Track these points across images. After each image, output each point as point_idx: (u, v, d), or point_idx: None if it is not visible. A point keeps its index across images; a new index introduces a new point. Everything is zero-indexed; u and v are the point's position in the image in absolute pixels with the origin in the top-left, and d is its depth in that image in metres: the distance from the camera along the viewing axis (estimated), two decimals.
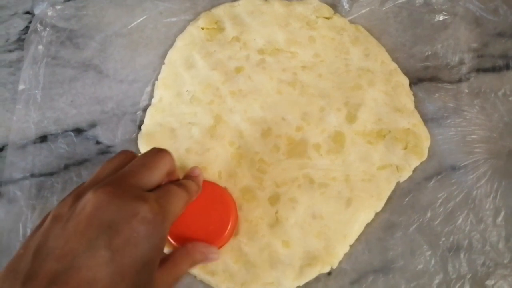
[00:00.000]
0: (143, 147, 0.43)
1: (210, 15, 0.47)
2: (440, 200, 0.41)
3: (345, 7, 0.47)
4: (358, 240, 0.41)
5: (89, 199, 0.27)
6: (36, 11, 0.48)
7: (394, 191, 0.42)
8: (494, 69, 0.45)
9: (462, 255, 0.40)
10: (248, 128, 0.43)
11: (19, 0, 0.49)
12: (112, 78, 0.46)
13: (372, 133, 0.43)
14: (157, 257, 0.28)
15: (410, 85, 0.45)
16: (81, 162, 0.44)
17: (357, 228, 0.41)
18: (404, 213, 0.41)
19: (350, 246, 0.40)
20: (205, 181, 0.39)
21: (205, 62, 0.45)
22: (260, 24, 0.46)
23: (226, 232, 0.38)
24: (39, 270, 0.24)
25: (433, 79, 0.45)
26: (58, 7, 0.48)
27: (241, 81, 0.44)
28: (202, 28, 0.47)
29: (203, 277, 0.40)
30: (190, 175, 0.37)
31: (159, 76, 0.45)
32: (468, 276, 0.39)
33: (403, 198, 0.42)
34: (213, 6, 0.48)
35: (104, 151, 0.44)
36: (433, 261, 0.40)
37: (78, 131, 0.45)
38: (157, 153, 0.33)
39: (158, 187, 0.32)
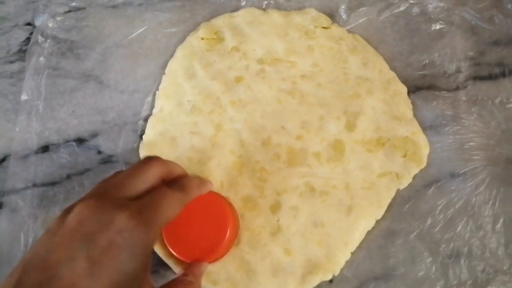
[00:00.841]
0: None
1: (210, 25, 0.48)
2: (439, 207, 0.42)
3: (343, 17, 0.48)
4: (359, 247, 0.41)
5: (75, 213, 0.28)
6: (37, 23, 0.48)
7: (394, 199, 0.42)
8: (490, 77, 0.46)
9: (462, 262, 0.40)
10: (249, 137, 0.43)
11: (20, 11, 0.50)
12: (113, 89, 0.46)
13: (372, 141, 0.43)
14: (142, 267, 0.28)
15: (408, 93, 0.45)
16: (83, 172, 0.44)
17: (358, 236, 0.41)
18: (405, 220, 0.42)
19: (352, 253, 0.41)
20: (211, 194, 0.39)
21: (205, 72, 0.46)
22: (259, 34, 0.47)
23: (223, 243, 0.37)
24: (26, 280, 0.25)
25: (430, 87, 0.46)
26: (59, 18, 0.48)
27: (241, 90, 0.45)
28: (202, 39, 0.47)
29: (205, 286, 0.40)
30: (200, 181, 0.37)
31: (160, 86, 0.46)
32: (469, 282, 0.39)
33: (403, 205, 0.42)
34: (213, 16, 0.49)
35: (106, 160, 0.44)
36: (433, 268, 0.40)
37: (80, 141, 0.45)
38: (145, 161, 0.33)
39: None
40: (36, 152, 0.44)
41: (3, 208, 0.43)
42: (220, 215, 0.38)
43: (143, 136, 0.44)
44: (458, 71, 0.46)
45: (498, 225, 0.41)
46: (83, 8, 0.49)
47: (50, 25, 0.48)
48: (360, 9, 0.48)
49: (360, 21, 0.48)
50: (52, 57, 0.47)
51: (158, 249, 0.40)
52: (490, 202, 0.42)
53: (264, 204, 0.41)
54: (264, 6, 0.49)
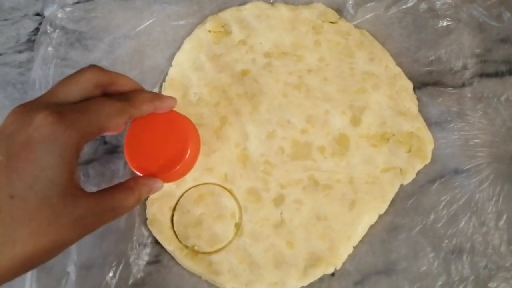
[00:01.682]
0: None
1: (217, 18, 0.48)
2: (443, 203, 0.42)
3: (351, 12, 0.48)
4: (361, 241, 0.41)
5: (3, 120, 0.29)
6: (46, 13, 0.48)
7: (397, 194, 0.42)
8: (497, 75, 0.46)
9: (464, 258, 0.40)
10: (254, 130, 0.43)
11: (30, 2, 0.50)
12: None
13: (376, 136, 0.43)
14: (63, 165, 0.28)
15: (414, 89, 0.45)
16: (88, 162, 0.44)
17: (360, 230, 0.41)
18: (408, 215, 0.42)
19: (354, 247, 0.41)
20: (172, 112, 0.37)
21: (212, 65, 0.46)
22: (266, 27, 0.47)
23: (181, 164, 0.36)
24: None
25: (436, 83, 0.46)
26: (68, 9, 0.49)
27: (247, 83, 0.45)
28: (209, 31, 0.47)
29: (208, 277, 0.40)
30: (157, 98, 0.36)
31: (167, 78, 0.46)
32: (471, 278, 0.40)
33: (406, 200, 0.42)
34: (220, 9, 0.49)
35: (111, 150, 0.44)
36: (436, 263, 0.40)
37: None
38: (80, 69, 0.32)
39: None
40: None
41: None
42: (183, 137, 0.37)
43: None
44: (465, 68, 0.46)
45: (501, 222, 0.41)
46: (92, 0, 0.50)
47: (59, 15, 0.48)
48: (368, 5, 0.48)
49: (368, 16, 0.48)
50: (61, 47, 0.48)
51: (159, 236, 0.41)
52: (494, 199, 0.42)
53: (267, 197, 0.42)
54: (271, 0, 0.49)
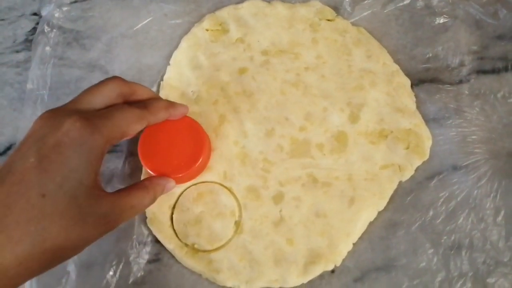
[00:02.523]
0: None
1: (215, 17, 0.48)
2: (441, 199, 0.42)
3: (348, 9, 0.48)
4: (361, 238, 0.41)
5: (32, 124, 0.31)
6: (43, 13, 0.48)
7: (396, 190, 0.42)
8: (493, 71, 0.46)
9: (463, 253, 0.40)
10: (252, 128, 0.44)
11: (27, 1, 0.50)
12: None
13: (374, 133, 0.43)
14: (90, 167, 0.30)
15: (411, 86, 0.45)
16: None
17: (360, 227, 0.41)
18: (406, 212, 0.42)
19: (353, 244, 0.41)
20: (187, 118, 0.40)
21: (209, 63, 0.46)
22: (263, 26, 0.47)
23: (194, 167, 0.39)
24: None
25: (434, 80, 0.46)
26: (65, 8, 0.49)
27: (245, 81, 0.45)
28: (207, 30, 0.47)
29: (208, 275, 0.40)
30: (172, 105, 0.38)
31: (165, 77, 0.46)
32: (470, 274, 0.40)
33: (405, 197, 0.42)
34: (217, 8, 0.49)
35: (110, 150, 0.44)
36: (435, 259, 0.40)
37: None
38: (104, 80, 0.35)
39: None
40: None
41: None
42: (197, 141, 0.39)
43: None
44: (462, 64, 0.46)
45: (499, 218, 0.41)
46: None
47: (56, 15, 0.48)
48: (365, 2, 0.48)
49: (365, 14, 0.48)
50: (58, 47, 0.47)
51: (159, 235, 0.41)
52: (492, 195, 0.42)
53: (266, 194, 0.42)
54: None
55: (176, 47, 0.47)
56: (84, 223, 0.29)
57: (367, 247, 0.41)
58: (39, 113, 0.44)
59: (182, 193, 0.42)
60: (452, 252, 0.40)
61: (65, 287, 0.40)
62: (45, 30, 0.48)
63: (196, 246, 0.40)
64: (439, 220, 0.41)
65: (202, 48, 0.46)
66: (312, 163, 0.43)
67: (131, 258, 0.40)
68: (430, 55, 0.47)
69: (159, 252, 0.41)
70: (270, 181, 0.42)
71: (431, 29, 0.47)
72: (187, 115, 0.40)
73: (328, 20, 0.48)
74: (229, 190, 0.42)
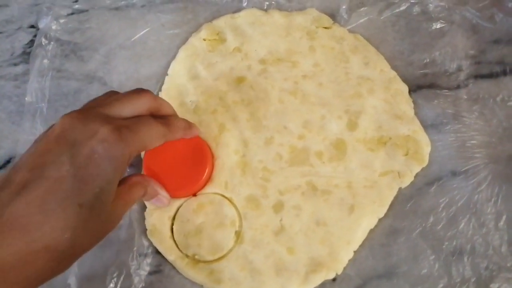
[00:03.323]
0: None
1: (212, 26, 0.48)
2: (442, 205, 0.42)
3: (344, 17, 0.48)
4: (361, 246, 0.41)
5: (58, 123, 0.30)
6: (41, 25, 0.49)
7: (396, 197, 0.42)
8: (491, 76, 0.46)
9: (465, 259, 0.40)
10: (252, 137, 0.44)
11: (24, 14, 0.50)
12: (117, 90, 0.46)
13: (373, 140, 0.43)
14: (117, 178, 0.31)
15: (409, 92, 0.45)
16: None
17: (360, 234, 0.41)
18: (407, 218, 0.42)
19: (354, 252, 0.41)
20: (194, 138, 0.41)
21: (207, 73, 0.46)
22: (261, 34, 0.47)
23: (201, 181, 0.41)
24: (14, 178, 0.28)
25: (431, 86, 0.46)
26: (62, 20, 0.49)
27: (243, 90, 0.45)
28: (204, 40, 0.47)
29: (209, 286, 0.40)
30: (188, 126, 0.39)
31: (163, 87, 0.46)
32: (472, 280, 0.39)
33: (405, 203, 0.42)
34: (215, 17, 0.49)
35: None
36: (437, 265, 0.40)
37: None
38: (137, 91, 0.35)
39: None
40: None
41: None
42: (199, 162, 0.41)
43: None
44: (459, 69, 0.46)
45: (501, 223, 0.41)
46: (86, 11, 0.50)
47: (54, 27, 0.48)
48: (361, 9, 0.48)
49: (361, 21, 0.48)
50: (56, 59, 0.48)
51: (159, 246, 0.40)
52: (493, 200, 0.42)
53: (266, 203, 0.42)
54: (265, 7, 0.49)
55: (174, 57, 0.47)
56: (106, 230, 0.31)
57: (368, 255, 0.41)
58: (38, 126, 0.45)
59: (182, 204, 0.41)
60: (453, 258, 0.40)
61: None
62: (43, 43, 0.48)
63: (197, 257, 0.40)
64: (439, 226, 0.41)
65: (200, 58, 0.47)
66: (311, 171, 0.43)
67: (132, 270, 0.40)
68: (427, 60, 0.47)
69: (160, 263, 0.41)
70: (269, 190, 0.42)
71: (428, 34, 0.48)
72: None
73: (325, 27, 0.48)
74: (229, 200, 0.42)
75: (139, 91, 0.35)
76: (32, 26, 0.50)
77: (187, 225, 0.41)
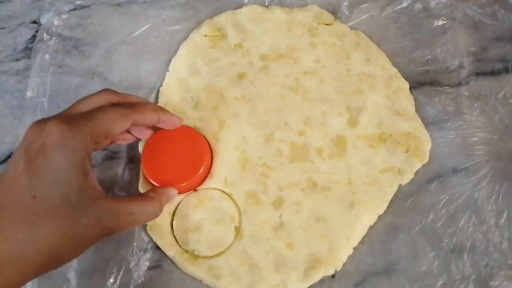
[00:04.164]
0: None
1: (213, 22, 0.48)
2: (442, 202, 0.42)
3: (345, 13, 0.48)
4: (361, 242, 0.41)
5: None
6: (43, 21, 0.49)
7: (396, 194, 0.42)
8: (493, 73, 0.46)
9: (465, 256, 0.40)
10: (252, 133, 0.44)
11: (26, 10, 0.50)
12: (118, 85, 0.47)
13: (374, 137, 0.43)
14: (78, 168, 0.31)
15: (410, 89, 0.45)
16: None
17: (360, 231, 0.41)
18: (407, 215, 0.42)
19: (354, 248, 0.41)
20: (184, 126, 0.41)
21: (208, 69, 0.46)
22: (262, 31, 0.47)
23: (199, 173, 0.40)
24: None
25: (433, 83, 0.46)
26: (64, 16, 0.49)
27: (244, 86, 0.45)
28: (205, 36, 0.47)
29: (209, 281, 0.40)
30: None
31: (164, 83, 0.46)
32: (472, 277, 0.39)
33: (405, 200, 0.42)
34: (216, 14, 0.49)
35: (110, 156, 0.44)
36: (436, 263, 0.40)
37: None
38: (95, 92, 0.36)
39: None
40: None
41: None
42: (198, 151, 0.41)
43: None
44: (461, 66, 0.46)
45: (502, 220, 0.41)
46: (88, 6, 0.50)
47: (56, 23, 0.49)
48: (363, 6, 0.48)
49: (363, 17, 0.48)
50: (58, 54, 0.48)
51: (159, 241, 0.41)
52: (493, 197, 0.42)
53: (266, 199, 0.42)
54: (266, 3, 0.49)
55: (175, 53, 0.47)
56: (79, 224, 0.30)
57: (367, 251, 0.41)
58: None
59: (182, 200, 0.42)
60: (453, 255, 0.40)
61: None
62: (45, 38, 0.48)
63: (196, 252, 0.40)
64: (439, 223, 0.41)
65: (201, 54, 0.47)
66: (311, 167, 0.42)
67: (131, 265, 0.40)
68: (429, 57, 0.47)
69: (160, 258, 0.41)
70: (269, 186, 0.42)
71: (430, 31, 0.47)
72: (189, 126, 0.41)
73: (326, 24, 0.48)
74: (229, 196, 0.42)
75: (100, 90, 0.36)
76: (34, 22, 0.50)
77: (187, 221, 0.41)
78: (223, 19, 0.48)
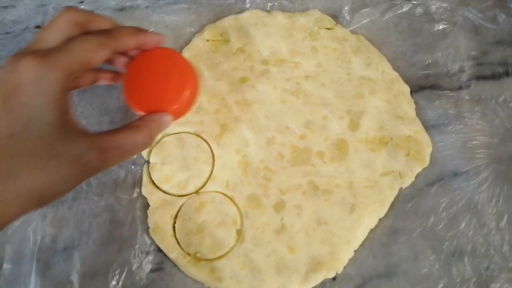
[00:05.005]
0: (151, 156, 0.44)
1: (215, 27, 0.48)
2: (443, 205, 0.42)
3: (346, 18, 0.49)
4: (362, 245, 0.41)
5: None
6: None
7: (397, 197, 0.42)
8: (494, 77, 0.46)
9: (466, 259, 0.40)
10: (253, 137, 0.44)
11: (31, 15, 0.51)
12: (121, 89, 0.47)
13: (375, 141, 0.44)
14: (52, 103, 0.29)
15: (411, 93, 0.46)
16: None
17: (361, 234, 0.41)
18: (407, 218, 0.42)
19: (355, 251, 0.41)
20: (169, 50, 0.37)
21: (210, 73, 0.46)
22: (263, 35, 0.48)
23: (181, 98, 0.36)
24: None
25: (433, 87, 0.46)
26: None
27: (245, 91, 0.45)
28: (208, 40, 0.48)
29: (211, 284, 0.40)
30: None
31: None
32: (473, 280, 0.40)
33: (406, 203, 0.42)
34: (218, 18, 0.49)
35: None
36: (437, 265, 0.40)
37: None
38: (56, 15, 0.33)
39: None
40: None
41: None
42: (181, 73, 0.36)
43: None
44: (461, 70, 0.46)
45: (502, 223, 0.41)
46: (91, 11, 0.50)
47: None
48: (363, 10, 0.49)
49: (363, 22, 0.49)
50: None
51: (161, 244, 0.41)
52: (494, 200, 0.42)
53: (268, 202, 0.42)
54: (268, 8, 0.49)
55: None
56: (58, 161, 0.29)
57: (368, 254, 0.41)
58: None
59: (184, 203, 0.42)
60: (454, 258, 0.40)
61: None
62: None
63: (198, 255, 0.40)
64: (440, 226, 0.41)
65: (203, 58, 0.47)
66: (312, 171, 0.43)
67: (134, 268, 0.41)
68: (430, 61, 0.47)
69: (162, 261, 0.42)
70: (271, 189, 0.42)
71: (430, 35, 0.48)
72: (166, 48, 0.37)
73: (327, 28, 0.48)
74: (231, 199, 0.42)
75: (60, 10, 0.33)
76: (38, 27, 0.50)
77: (189, 224, 0.41)
78: (225, 23, 0.48)
